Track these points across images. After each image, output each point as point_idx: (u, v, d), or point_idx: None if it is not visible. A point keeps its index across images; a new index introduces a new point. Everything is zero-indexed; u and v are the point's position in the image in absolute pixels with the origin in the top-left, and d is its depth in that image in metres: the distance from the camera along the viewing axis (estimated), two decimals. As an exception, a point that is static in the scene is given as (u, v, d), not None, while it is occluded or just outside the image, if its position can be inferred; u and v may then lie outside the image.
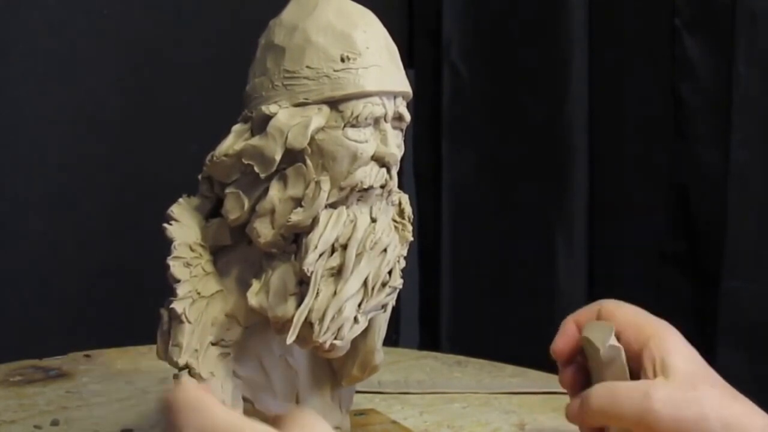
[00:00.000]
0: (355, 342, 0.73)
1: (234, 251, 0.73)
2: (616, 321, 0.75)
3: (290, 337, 0.66)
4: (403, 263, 0.73)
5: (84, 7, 1.31)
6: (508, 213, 1.52)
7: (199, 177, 0.73)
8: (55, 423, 0.87)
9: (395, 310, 0.79)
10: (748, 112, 1.32)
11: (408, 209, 0.76)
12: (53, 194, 1.32)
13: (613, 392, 0.72)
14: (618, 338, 0.73)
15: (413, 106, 1.55)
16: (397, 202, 0.75)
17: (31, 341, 1.24)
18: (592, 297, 1.49)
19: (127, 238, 1.36)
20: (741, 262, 1.34)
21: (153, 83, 1.37)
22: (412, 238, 0.75)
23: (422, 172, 1.58)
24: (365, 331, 0.73)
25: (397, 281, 0.71)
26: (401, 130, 0.71)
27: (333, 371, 0.78)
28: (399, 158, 0.70)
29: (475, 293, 1.54)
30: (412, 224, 0.76)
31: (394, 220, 0.74)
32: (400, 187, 0.76)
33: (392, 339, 1.39)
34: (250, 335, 0.72)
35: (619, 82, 1.45)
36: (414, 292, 1.61)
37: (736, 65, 1.31)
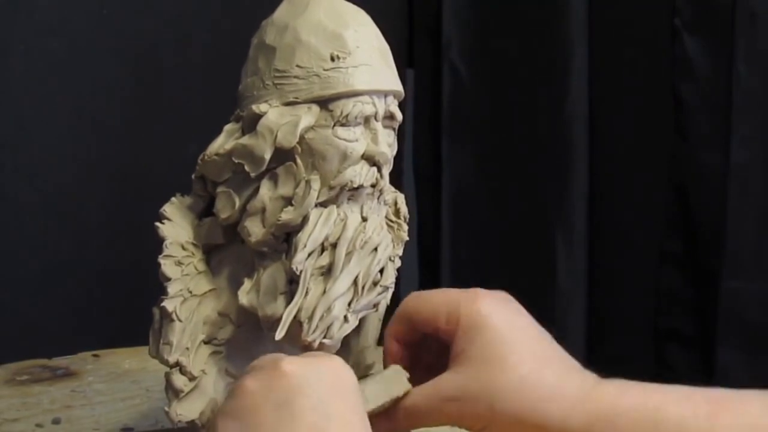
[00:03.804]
0: (348, 341, 0.73)
1: (227, 250, 0.73)
2: (425, 317, 0.71)
3: (278, 335, 0.66)
4: (398, 263, 0.74)
5: (84, 7, 1.31)
6: (508, 213, 1.51)
7: (193, 176, 0.73)
8: (56, 421, 0.88)
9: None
10: (748, 112, 1.32)
11: (404, 209, 0.76)
12: (57, 193, 1.32)
13: (414, 404, 0.70)
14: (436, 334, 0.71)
15: (413, 105, 1.57)
16: (392, 201, 0.75)
17: (42, 341, 1.24)
18: (592, 297, 1.50)
19: (141, 236, 1.36)
20: (741, 262, 1.34)
21: (153, 83, 1.37)
22: (407, 238, 0.75)
23: (422, 172, 1.57)
24: (358, 330, 0.73)
25: (389, 280, 0.71)
26: (393, 129, 0.71)
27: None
28: (390, 157, 0.70)
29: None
30: (409, 224, 0.76)
31: (390, 220, 0.74)
32: (399, 187, 0.76)
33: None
34: (243, 334, 0.73)
35: (619, 82, 1.45)
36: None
37: (736, 65, 1.31)
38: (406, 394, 0.71)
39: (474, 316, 0.68)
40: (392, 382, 0.71)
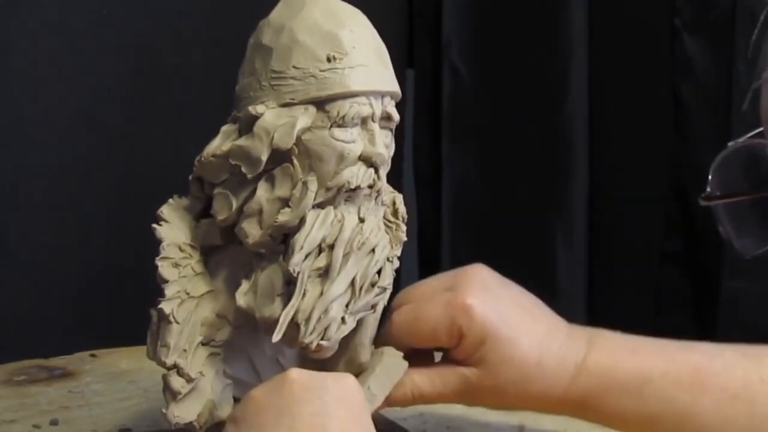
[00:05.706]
0: (344, 341, 0.73)
1: (225, 251, 0.73)
2: (422, 337, 0.75)
3: (275, 336, 0.66)
4: (396, 263, 0.73)
5: (84, 7, 1.31)
6: (508, 213, 1.52)
7: (190, 177, 0.73)
8: (54, 423, 0.88)
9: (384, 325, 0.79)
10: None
11: (402, 209, 0.75)
12: (57, 193, 1.32)
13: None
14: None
15: (413, 106, 1.57)
16: (390, 201, 0.75)
17: (40, 341, 1.24)
18: (592, 297, 1.50)
19: (140, 236, 1.36)
20: (741, 262, 1.33)
21: (153, 83, 1.37)
22: (406, 238, 0.75)
23: (422, 172, 1.57)
24: (354, 331, 0.73)
25: (387, 281, 0.71)
26: (390, 129, 0.71)
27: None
28: (387, 158, 0.70)
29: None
30: (408, 224, 0.76)
31: (388, 220, 0.74)
32: (399, 187, 0.76)
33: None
34: (241, 335, 0.73)
35: (619, 82, 1.45)
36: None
37: (736, 65, 1.31)
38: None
39: (475, 330, 0.72)
40: (392, 368, 0.74)
